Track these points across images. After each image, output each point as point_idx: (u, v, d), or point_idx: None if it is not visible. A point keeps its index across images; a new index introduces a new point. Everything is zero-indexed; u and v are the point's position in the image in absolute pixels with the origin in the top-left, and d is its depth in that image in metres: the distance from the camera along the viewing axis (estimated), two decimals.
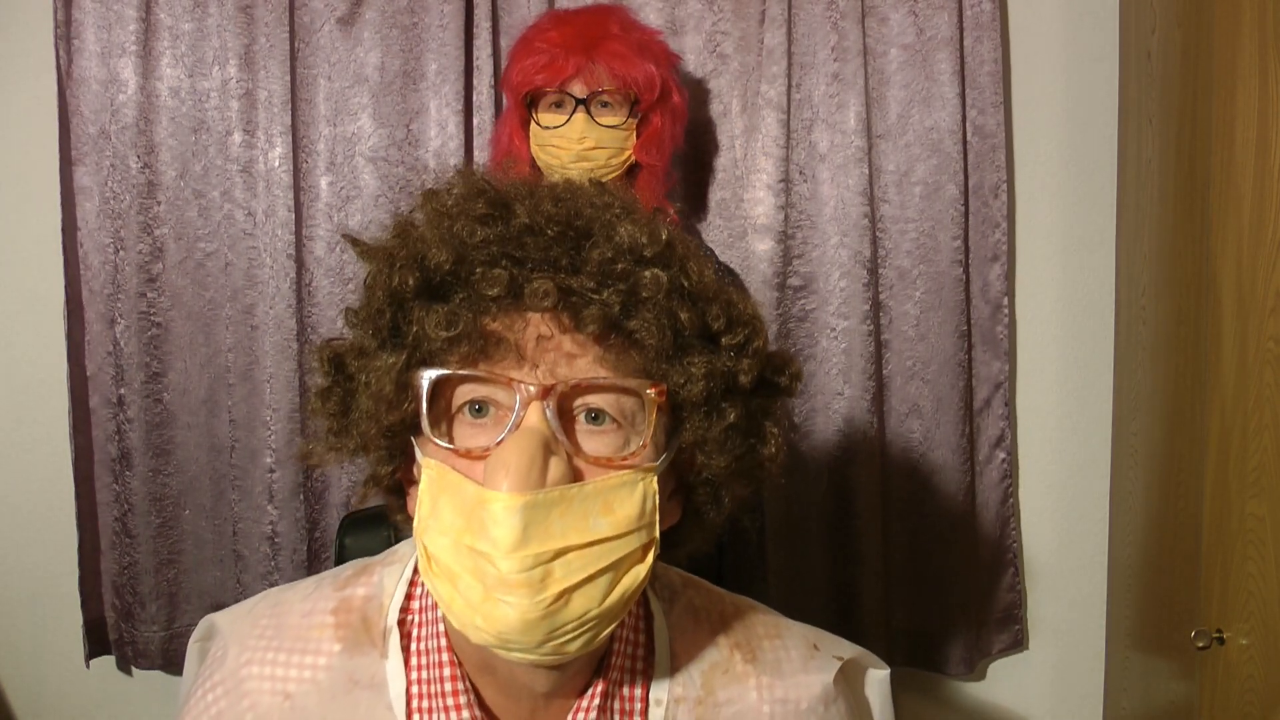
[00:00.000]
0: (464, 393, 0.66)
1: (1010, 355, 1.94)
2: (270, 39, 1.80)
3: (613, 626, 0.66)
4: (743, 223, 1.87)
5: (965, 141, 1.85)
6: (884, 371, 1.89)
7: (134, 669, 1.93)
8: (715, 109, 1.86)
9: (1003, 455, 1.93)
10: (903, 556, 1.93)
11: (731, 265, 1.82)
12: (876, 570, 1.87)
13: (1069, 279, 1.97)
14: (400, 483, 0.73)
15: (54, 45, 1.79)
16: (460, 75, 1.80)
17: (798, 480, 1.88)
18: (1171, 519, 1.64)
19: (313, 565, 1.85)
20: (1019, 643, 2.00)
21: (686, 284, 0.67)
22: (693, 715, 0.74)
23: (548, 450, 0.62)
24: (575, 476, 0.63)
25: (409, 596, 0.76)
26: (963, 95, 1.83)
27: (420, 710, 0.72)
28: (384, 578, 0.78)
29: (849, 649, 0.83)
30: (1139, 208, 1.80)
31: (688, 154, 1.84)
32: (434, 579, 0.66)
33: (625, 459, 0.65)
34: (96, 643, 1.89)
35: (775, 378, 0.72)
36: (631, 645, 0.75)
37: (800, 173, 1.86)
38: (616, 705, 0.73)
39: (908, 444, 1.91)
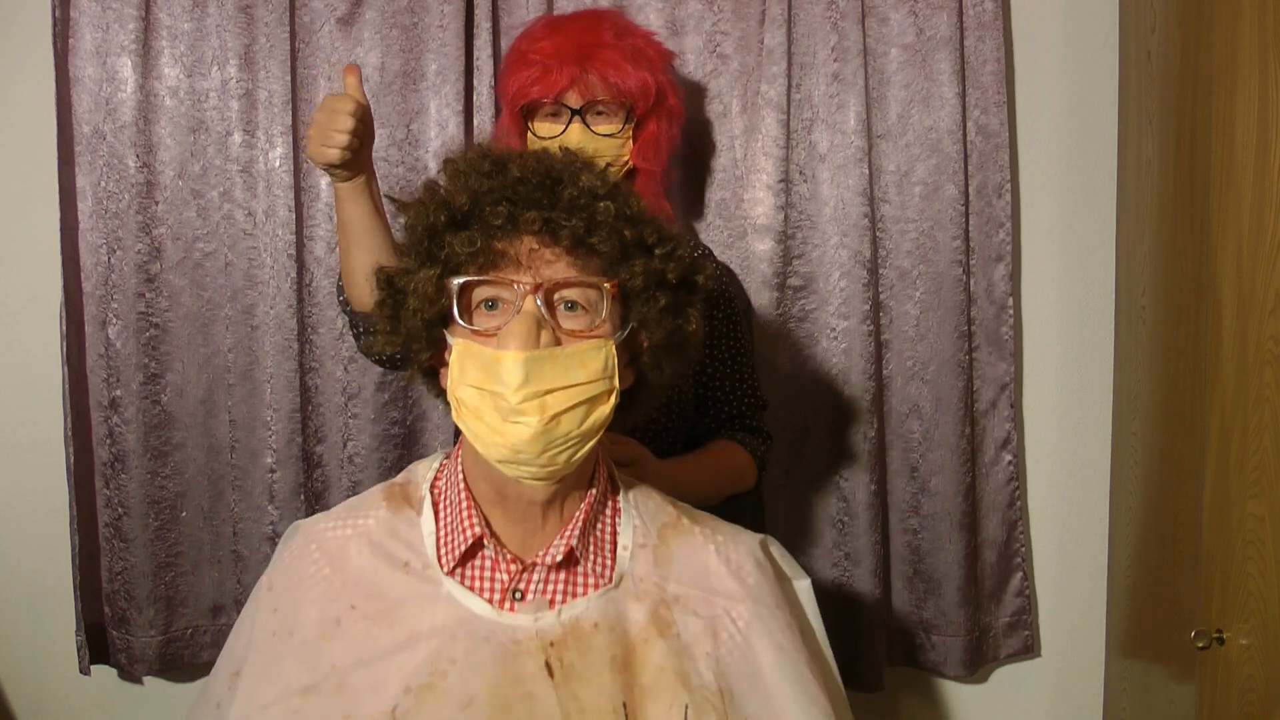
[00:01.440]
0: (479, 294, 0.94)
1: (1016, 356, 1.94)
2: (270, 39, 1.80)
3: (589, 446, 0.95)
4: (742, 223, 1.87)
5: (967, 141, 1.85)
6: (884, 371, 1.89)
7: (133, 674, 1.92)
8: (715, 109, 1.86)
9: (1009, 457, 1.93)
10: (903, 557, 1.93)
11: (731, 265, 1.82)
12: (876, 570, 1.87)
13: (1070, 279, 1.97)
14: (433, 367, 1.01)
15: (51, 44, 1.78)
16: (460, 75, 1.80)
17: (798, 480, 1.89)
18: (1171, 519, 1.64)
19: None
20: (1029, 648, 1.98)
21: (629, 212, 0.96)
22: (652, 557, 1.03)
23: (539, 326, 0.91)
24: (558, 344, 0.92)
25: (437, 476, 1.06)
26: (963, 95, 1.83)
27: (444, 544, 1.00)
28: (418, 467, 1.08)
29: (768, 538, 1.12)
30: (1139, 208, 1.80)
31: (687, 154, 1.84)
32: (464, 418, 0.94)
33: (592, 331, 0.94)
34: (96, 650, 1.87)
35: (694, 276, 1.00)
36: (603, 494, 1.03)
37: (800, 173, 1.86)
38: (592, 540, 1.01)
39: (908, 444, 1.91)
